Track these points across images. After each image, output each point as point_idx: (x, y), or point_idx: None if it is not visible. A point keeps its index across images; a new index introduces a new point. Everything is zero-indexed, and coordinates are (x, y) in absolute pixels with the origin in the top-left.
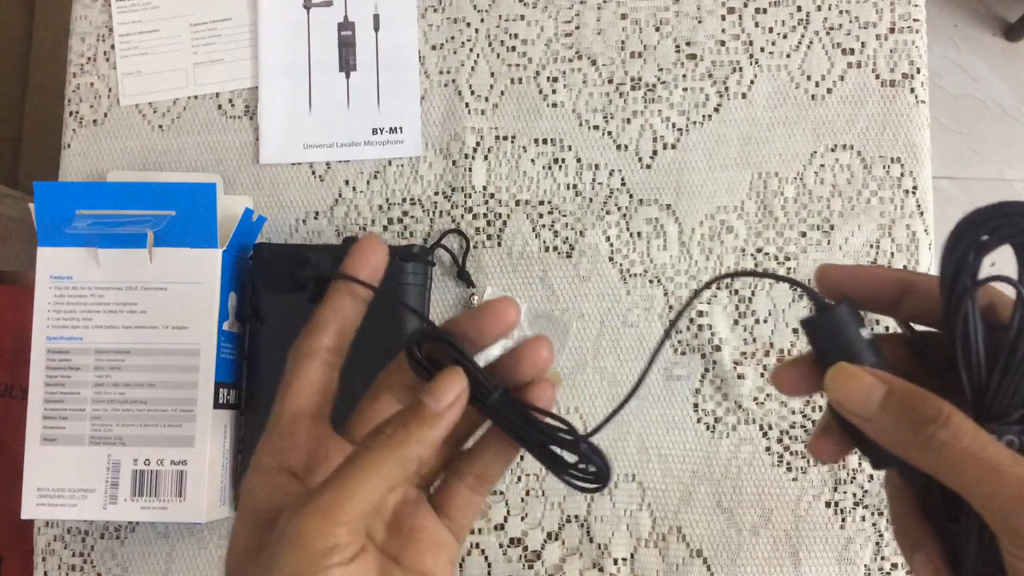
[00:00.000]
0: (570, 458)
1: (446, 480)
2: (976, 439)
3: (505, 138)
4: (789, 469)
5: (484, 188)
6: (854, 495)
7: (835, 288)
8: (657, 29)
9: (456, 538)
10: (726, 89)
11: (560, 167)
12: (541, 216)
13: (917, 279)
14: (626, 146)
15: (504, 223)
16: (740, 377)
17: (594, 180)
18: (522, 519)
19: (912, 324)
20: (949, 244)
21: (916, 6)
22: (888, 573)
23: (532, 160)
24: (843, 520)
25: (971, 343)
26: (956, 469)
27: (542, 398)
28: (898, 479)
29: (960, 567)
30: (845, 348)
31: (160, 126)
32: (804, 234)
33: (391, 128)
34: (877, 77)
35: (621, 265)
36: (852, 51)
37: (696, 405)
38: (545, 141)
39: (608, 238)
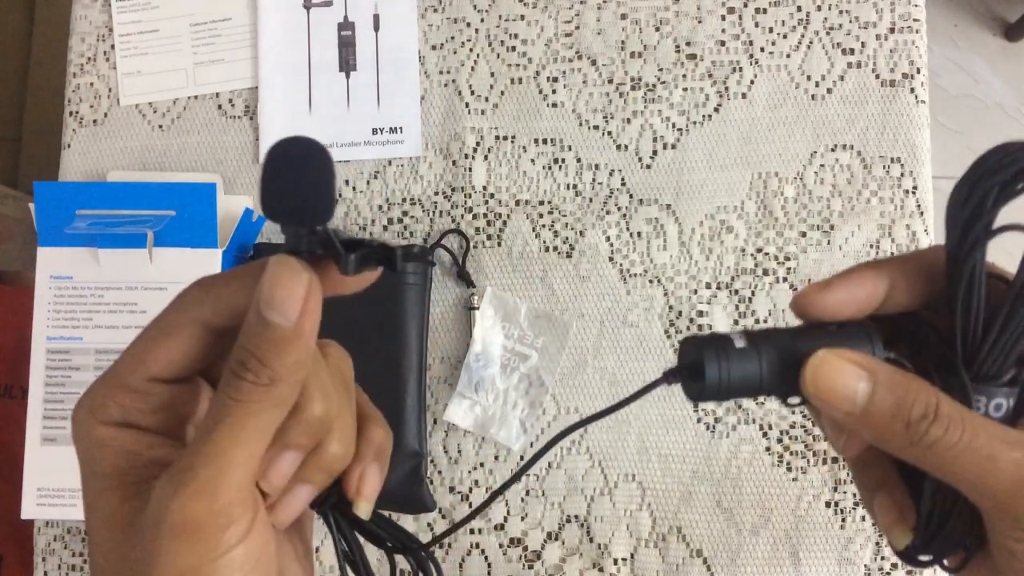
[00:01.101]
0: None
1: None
2: (968, 430)
3: (505, 138)
4: (789, 469)
5: (484, 188)
6: (854, 495)
7: (814, 313)
8: (657, 29)
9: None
10: (726, 89)
11: (560, 167)
12: (541, 216)
13: (897, 265)
14: (626, 146)
15: (504, 223)
16: None
17: (594, 180)
18: (522, 519)
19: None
20: (962, 187)
21: (916, 6)
22: (888, 573)
23: (532, 160)
24: (843, 520)
25: (974, 297)
26: (951, 464)
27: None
28: None
29: (923, 505)
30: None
31: (160, 126)
32: (804, 234)
33: (391, 128)
34: (877, 77)
35: (621, 265)
36: (852, 51)
37: (696, 405)
38: (545, 141)
39: (608, 238)
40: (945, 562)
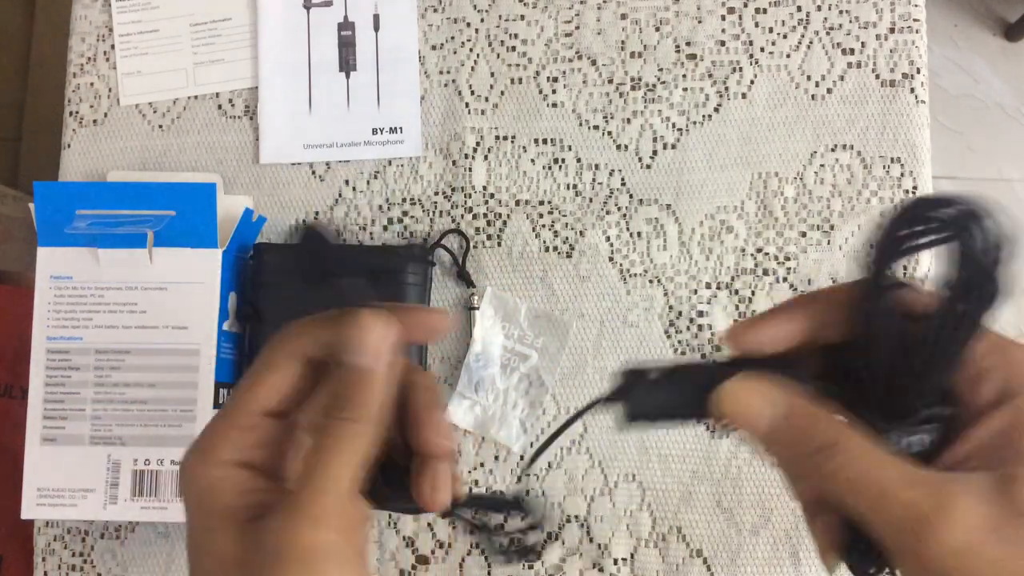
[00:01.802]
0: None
1: None
2: (866, 465)
3: (505, 138)
4: None
5: (484, 188)
6: None
7: (747, 349)
8: (657, 29)
9: None
10: (726, 89)
11: (560, 167)
12: (541, 216)
13: (828, 299)
14: (626, 146)
15: (504, 223)
16: None
17: (594, 180)
18: (522, 519)
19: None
20: (878, 239)
21: (916, 6)
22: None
23: (532, 160)
24: None
25: (886, 341)
26: (846, 496)
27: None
28: None
29: (855, 542)
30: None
31: (160, 126)
32: (804, 234)
33: (391, 128)
34: (877, 77)
35: (621, 265)
36: (852, 51)
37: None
38: (545, 141)
39: (608, 238)
40: None
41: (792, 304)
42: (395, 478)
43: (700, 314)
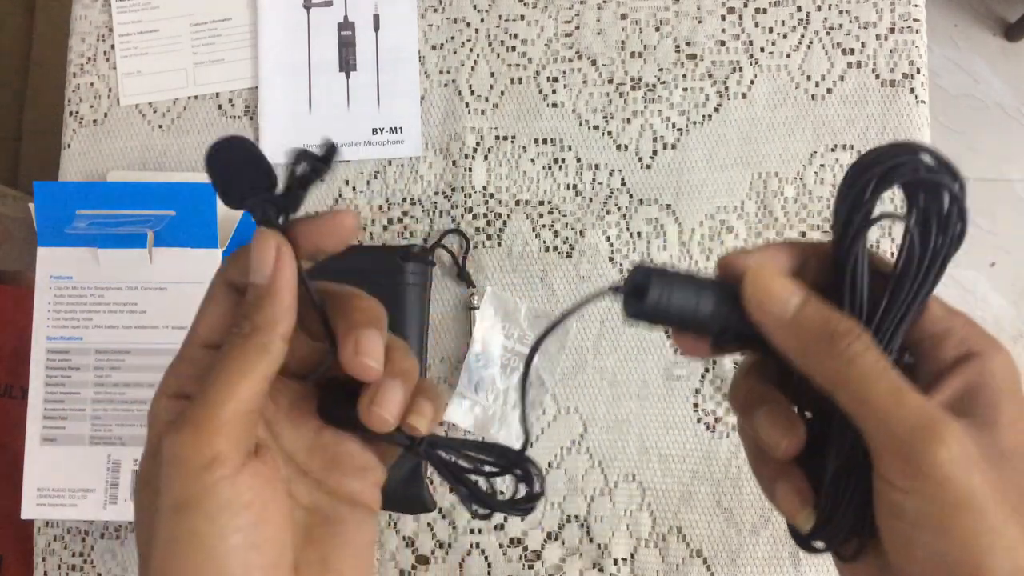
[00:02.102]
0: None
1: None
2: (881, 362)
3: (505, 138)
4: None
5: (484, 188)
6: None
7: (739, 272)
8: (657, 29)
9: (382, 461)
10: (726, 89)
11: (560, 167)
12: (541, 216)
13: (811, 247)
14: (626, 146)
15: (504, 223)
16: None
17: (594, 180)
18: (522, 519)
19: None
20: (844, 185)
21: (916, 6)
22: None
23: (532, 160)
24: None
25: (858, 282)
26: (861, 383)
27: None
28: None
29: (823, 490)
30: (692, 312)
31: (160, 126)
32: (804, 234)
33: (391, 128)
34: (877, 77)
35: (621, 265)
36: (852, 51)
37: (696, 405)
38: (545, 141)
39: (608, 238)
40: (840, 552)
41: (778, 244)
42: (343, 396)
43: None
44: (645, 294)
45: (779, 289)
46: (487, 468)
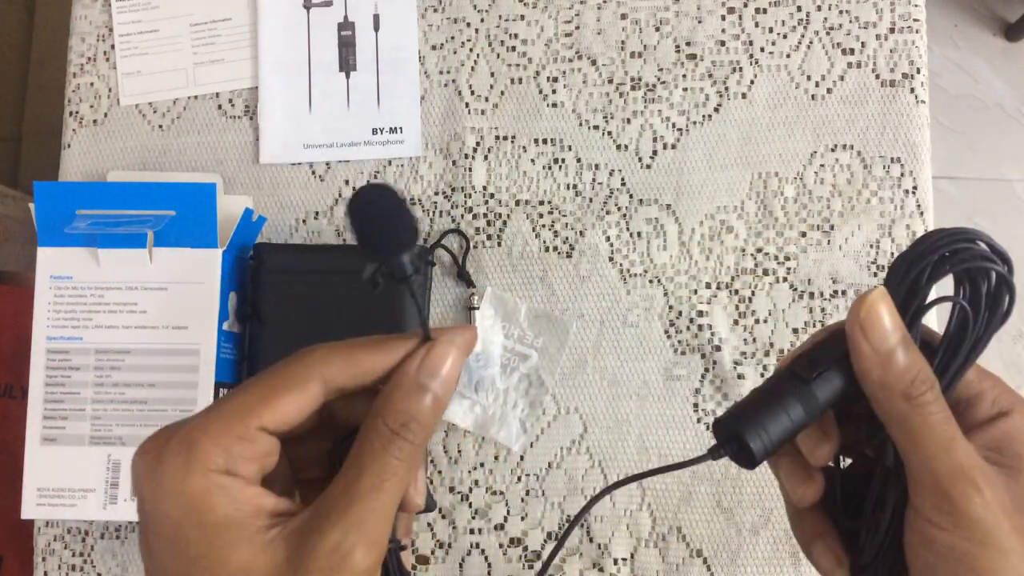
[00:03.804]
0: None
1: None
2: (945, 412)
3: (505, 138)
4: None
5: (484, 188)
6: None
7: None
8: (657, 29)
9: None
10: (726, 89)
11: (560, 167)
12: (541, 216)
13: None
14: (626, 146)
15: (504, 223)
16: (740, 377)
17: (594, 180)
18: (522, 519)
19: None
20: (899, 269)
21: (916, 6)
22: None
23: (532, 160)
24: None
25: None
26: (924, 427)
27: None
28: None
29: (858, 554)
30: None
31: (160, 126)
32: (804, 234)
33: (391, 128)
34: (877, 77)
35: (621, 265)
36: (852, 51)
37: (696, 405)
38: (545, 141)
39: (608, 238)
40: None
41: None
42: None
43: (700, 314)
44: (746, 445)
45: (888, 322)
46: None
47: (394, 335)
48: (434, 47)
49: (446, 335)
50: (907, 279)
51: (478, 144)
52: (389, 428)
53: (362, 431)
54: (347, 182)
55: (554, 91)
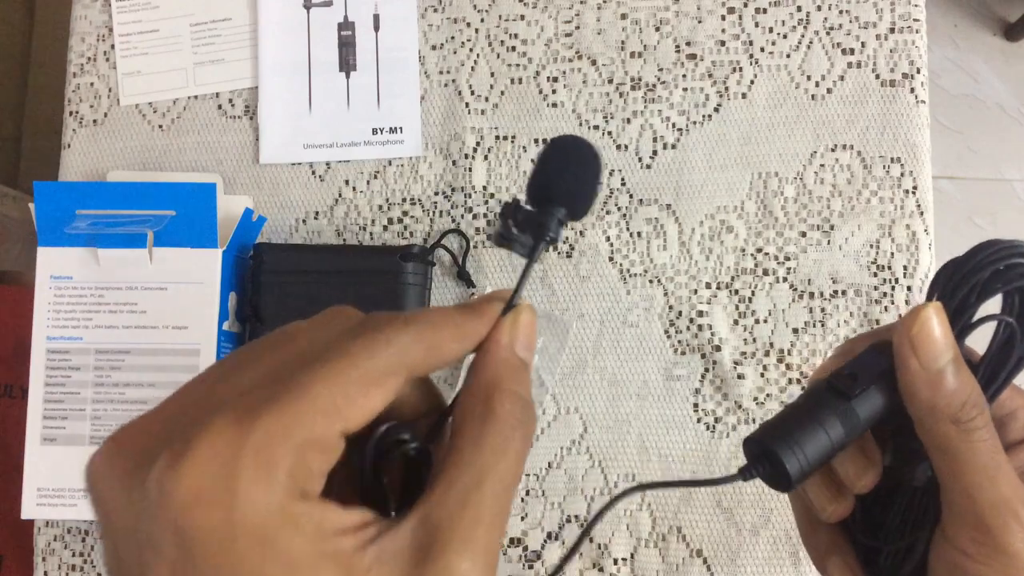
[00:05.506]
0: None
1: None
2: (996, 439)
3: (505, 138)
4: None
5: (484, 188)
6: None
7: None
8: (657, 29)
9: None
10: (726, 89)
11: None
12: None
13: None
14: (626, 146)
15: None
16: (740, 377)
17: None
18: (522, 519)
19: None
20: (943, 285)
21: (916, 6)
22: None
23: (532, 160)
24: None
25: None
26: (970, 456)
27: None
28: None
29: (877, 574)
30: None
31: (160, 126)
32: (804, 234)
33: (391, 128)
34: (877, 77)
35: (621, 265)
36: (852, 51)
37: (696, 405)
38: (545, 141)
39: (608, 238)
40: None
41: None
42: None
43: (700, 314)
44: (780, 465)
45: (941, 339)
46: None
47: (461, 308)
48: (434, 47)
49: (525, 303)
50: (957, 294)
51: (478, 144)
52: (510, 422)
53: (471, 428)
54: (347, 182)
55: (554, 91)
